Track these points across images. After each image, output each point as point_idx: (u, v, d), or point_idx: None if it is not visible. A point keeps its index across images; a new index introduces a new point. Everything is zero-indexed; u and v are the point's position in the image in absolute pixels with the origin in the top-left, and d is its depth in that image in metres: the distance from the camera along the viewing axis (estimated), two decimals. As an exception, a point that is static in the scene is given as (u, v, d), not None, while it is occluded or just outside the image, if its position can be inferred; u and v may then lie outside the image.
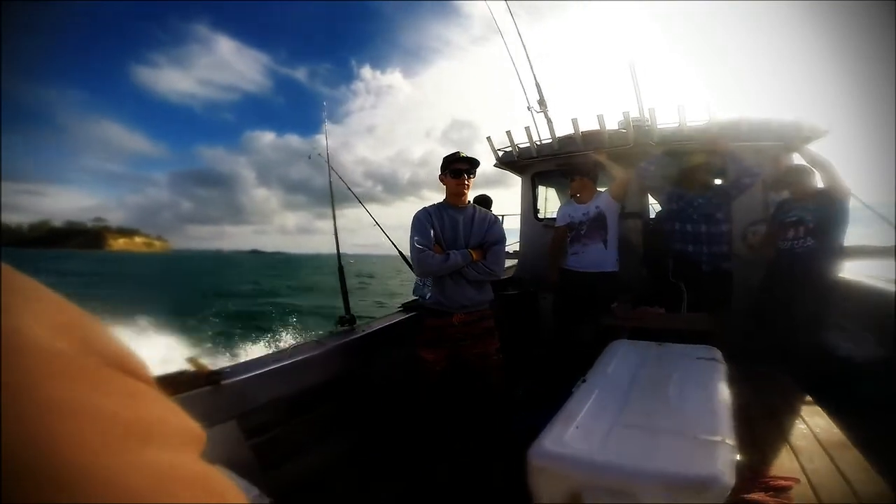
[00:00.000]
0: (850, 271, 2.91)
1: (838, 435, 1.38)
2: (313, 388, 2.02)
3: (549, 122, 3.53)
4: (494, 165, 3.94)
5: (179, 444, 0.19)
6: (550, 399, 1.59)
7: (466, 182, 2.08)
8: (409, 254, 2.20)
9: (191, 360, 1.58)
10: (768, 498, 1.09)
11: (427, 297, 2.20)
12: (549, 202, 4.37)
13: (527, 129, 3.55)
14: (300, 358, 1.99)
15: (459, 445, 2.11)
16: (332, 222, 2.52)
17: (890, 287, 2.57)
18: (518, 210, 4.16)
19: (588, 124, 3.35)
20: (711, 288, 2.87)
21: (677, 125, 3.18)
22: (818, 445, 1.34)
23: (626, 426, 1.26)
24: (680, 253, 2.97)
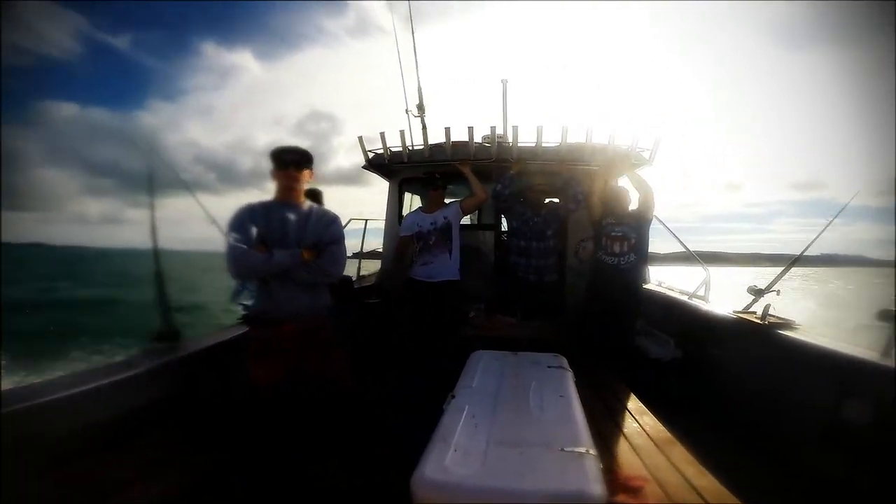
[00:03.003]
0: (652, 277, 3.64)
1: (664, 432, 1.65)
2: (133, 414, 1.82)
3: (425, 128, 3.51)
4: (363, 167, 3.75)
5: None
6: (419, 409, 1.53)
7: (296, 175, 1.86)
8: None
9: None
10: (632, 500, 1.23)
11: (250, 303, 1.90)
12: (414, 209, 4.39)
13: (401, 132, 3.47)
14: (107, 381, 1.76)
15: (322, 467, 1.87)
16: (150, 211, 2.13)
17: (682, 298, 3.30)
18: (370, 209, 4.07)
19: (458, 135, 3.43)
20: (538, 297, 3.22)
21: (533, 144, 3.47)
22: (652, 443, 1.58)
23: (500, 443, 1.29)
24: (514, 266, 3.29)
